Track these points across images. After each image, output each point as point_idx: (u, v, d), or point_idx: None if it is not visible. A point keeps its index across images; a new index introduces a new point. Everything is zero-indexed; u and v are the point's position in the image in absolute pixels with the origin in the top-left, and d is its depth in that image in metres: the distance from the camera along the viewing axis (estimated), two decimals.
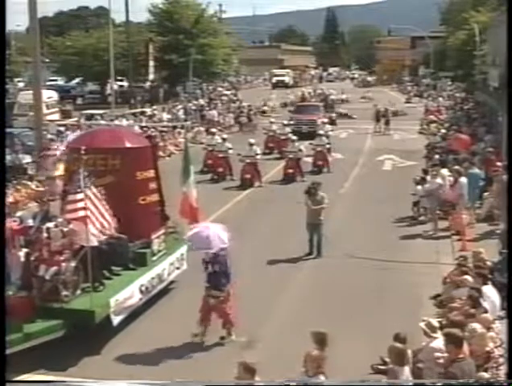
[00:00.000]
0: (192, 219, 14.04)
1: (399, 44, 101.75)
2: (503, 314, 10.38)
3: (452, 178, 19.30)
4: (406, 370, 8.38)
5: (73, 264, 11.39)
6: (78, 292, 11.48)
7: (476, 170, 20.31)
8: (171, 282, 13.83)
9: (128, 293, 11.93)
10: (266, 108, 52.90)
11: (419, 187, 19.57)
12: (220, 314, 11.57)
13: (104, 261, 12.04)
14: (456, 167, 20.19)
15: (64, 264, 11.28)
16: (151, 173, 13.77)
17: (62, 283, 11.17)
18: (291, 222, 18.49)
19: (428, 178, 19.78)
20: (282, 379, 8.21)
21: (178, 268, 13.95)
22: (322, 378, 7.98)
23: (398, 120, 44.91)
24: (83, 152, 11.47)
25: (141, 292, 12.36)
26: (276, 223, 19.53)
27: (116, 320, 11.41)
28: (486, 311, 10.19)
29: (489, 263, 12.99)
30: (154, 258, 13.32)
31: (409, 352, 8.74)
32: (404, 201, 20.53)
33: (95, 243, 11.61)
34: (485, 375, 8.57)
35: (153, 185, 13.80)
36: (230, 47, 67.54)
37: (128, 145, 13.47)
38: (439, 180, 19.07)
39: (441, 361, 8.67)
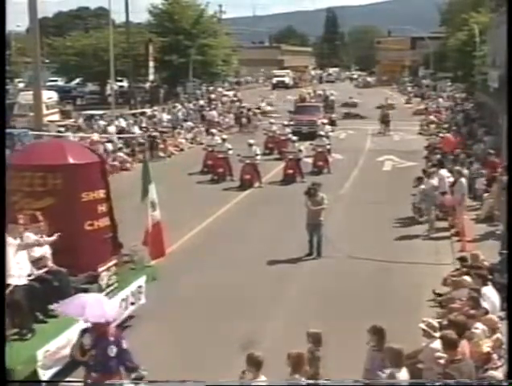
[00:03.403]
0: (149, 248, 12.72)
1: (399, 45, 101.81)
2: (503, 314, 10.40)
3: (451, 179, 19.33)
4: (403, 371, 8.37)
5: None
6: None
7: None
8: (130, 317, 12.15)
9: (64, 339, 9.88)
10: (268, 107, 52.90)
11: (421, 187, 19.56)
12: None
13: (36, 301, 10.16)
14: (457, 168, 20.22)
15: None
16: (101, 193, 11.87)
17: None
18: (290, 223, 18.51)
19: (425, 179, 19.79)
20: (281, 379, 8.26)
21: (133, 304, 12.07)
22: (300, 378, 8.05)
23: (398, 120, 44.85)
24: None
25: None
26: (276, 223, 19.54)
27: (45, 376, 9.54)
28: (487, 312, 10.20)
29: (486, 263, 13.03)
30: (102, 294, 10.95)
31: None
32: (404, 202, 20.55)
33: (23, 281, 9.95)
34: (485, 375, 8.59)
35: (102, 208, 11.86)
36: (230, 48, 67.51)
37: (72, 160, 11.54)
38: (434, 181, 19.08)
39: (441, 361, 8.68)
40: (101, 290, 11.10)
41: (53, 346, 9.72)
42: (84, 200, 11.54)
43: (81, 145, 13.12)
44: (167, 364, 10.37)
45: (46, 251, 10.86)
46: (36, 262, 10.69)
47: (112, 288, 11.46)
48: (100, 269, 11.20)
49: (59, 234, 10.51)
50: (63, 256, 10.79)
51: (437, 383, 8.34)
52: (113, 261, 11.69)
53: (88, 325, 8.78)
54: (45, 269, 10.70)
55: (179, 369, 10.14)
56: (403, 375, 8.32)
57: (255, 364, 7.98)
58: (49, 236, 10.71)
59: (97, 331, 8.61)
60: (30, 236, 10.55)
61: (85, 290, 10.87)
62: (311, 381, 8.23)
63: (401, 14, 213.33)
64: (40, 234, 10.76)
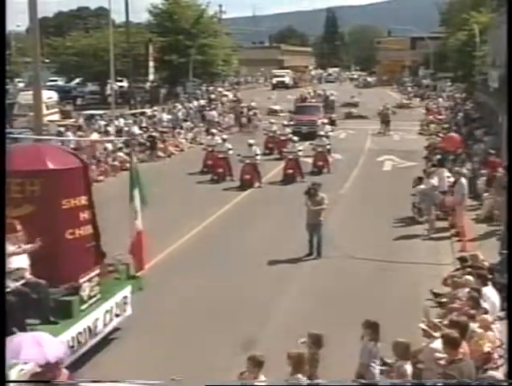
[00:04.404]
0: (133, 257, 12.25)
1: (399, 45, 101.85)
2: (503, 314, 10.39)
3: (451, 179, 19.33)
4: (409, 364, 8.64)
5: None
6: None
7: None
8: (116, 330, 11.64)
9: None
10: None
11: (421, 187, 19.55)
12: None
13: (12, 316, 9.29)
14: (457, 168, 20.20)
15: None
16: (82, 200, 11.25)
17: None
18: (290, 223, 18.51)
19: (425, 178, 19.77)
20: (281, 379, 8.26)
21: (118, 316, 11.49)
22: (301, 377, 8.09)
23: (398, 120, 44.93)
24: None
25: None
26: (276, 223, 19.54)
27: None
28: (487, 312, 10.20)
29: (486, 263, 13.03)
30: (84, 306, 10.62)
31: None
32: (404, 201, 20.54)
33: None
34: (485, 375, 8.59)
35: (85, 215, 11.27)
36: (230, 48, 67.59)
37: (51, 166, 10.92)
38: (434, 181, 19.08)
39: (442, 362, 8.69)
40: (82, 302, 10.58)
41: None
42: (65, 207, 10.95)
43: (62, 150, 12.23)
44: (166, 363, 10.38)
45: (24, 261, 10.14)
46: (13, 274, 9.90)
47: (94, 299, 10.90)
48: (81, 280, 10.59)
49: (39, 243, 10.02)
50: (42, 267, 10.14)
51: (437, 384, 8.35)
52: (96, 271, 11.05)
53: (35, 370, 7.80)
54: (22, 281, 9.98)
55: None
56: (409, 368, 8.58)
57: (256, 365, 8.00)
58: (28, 245, 10.08)
59: (45, 377, 7.65)
60: (8, 246, 9.63)
61: (66, 302, 10.40)
62: (310, 381, 8.25)
63: (401, 14, 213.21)
64: (18, 243, 10.06)
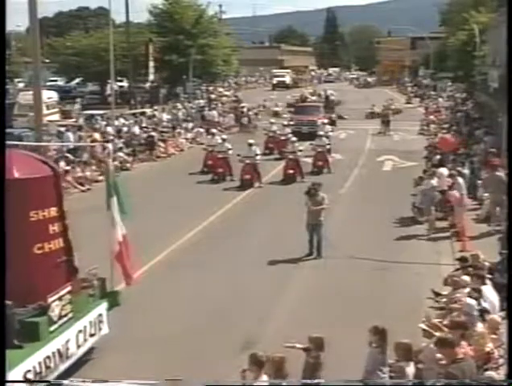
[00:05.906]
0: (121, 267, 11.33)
1: (399, 45, 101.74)
2: (503, 314, 10.39)
3: (450, 179, 19.34)
4: (412, 365, 8.63)
5: None
6: None
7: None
8: (91, 349, 10.82)
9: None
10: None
11: (422, 187, 19.55)
12: None
13: None
14: (458, 169, 20.20)
15: None
16: (53, 211, 10.33)
17: None
18: (290, 222, 18.50)
19: (425, 179, 19.76)
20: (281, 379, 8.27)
21: (93, 335, 10.68)
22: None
23: (398, 120, 44.94)
24: None
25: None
26: (276, 223, 19.53)
27: None
28: (488, 312, 10.21)
29: (486, 263, 13.03)
30: (54, 327, 9.82)
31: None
32: (404, 202, 20.55)
33: None
34: (485, 375, 8.59)
35: (55, 228, 10.35)
36: (230, 48, 67.57)
37: (17, 175, 10.01)
38: (434, 181, 19.08)
39: (442, 362, 8.69)
40: (51, 323, 9.76)
41: None
42: (33, 220, 10.07)
43: (32, 157, 11.22)
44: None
45: None
46: None
47: (65, 319, 10.07)
48: (50, 299, 9.78)
49: (3, 259, 9.11)
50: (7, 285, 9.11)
51: (438, 384, 8.35)
52: (67, 289, 10.20)
53: None
54: None
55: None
56: (411, 369, 8.58)
57: (257, 364, 8.01)
58: None
59: None
60: None
61: (33, 324, 9.61)
62: (309, 381, 8.26)
63: (401, 14, 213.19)
64: None
